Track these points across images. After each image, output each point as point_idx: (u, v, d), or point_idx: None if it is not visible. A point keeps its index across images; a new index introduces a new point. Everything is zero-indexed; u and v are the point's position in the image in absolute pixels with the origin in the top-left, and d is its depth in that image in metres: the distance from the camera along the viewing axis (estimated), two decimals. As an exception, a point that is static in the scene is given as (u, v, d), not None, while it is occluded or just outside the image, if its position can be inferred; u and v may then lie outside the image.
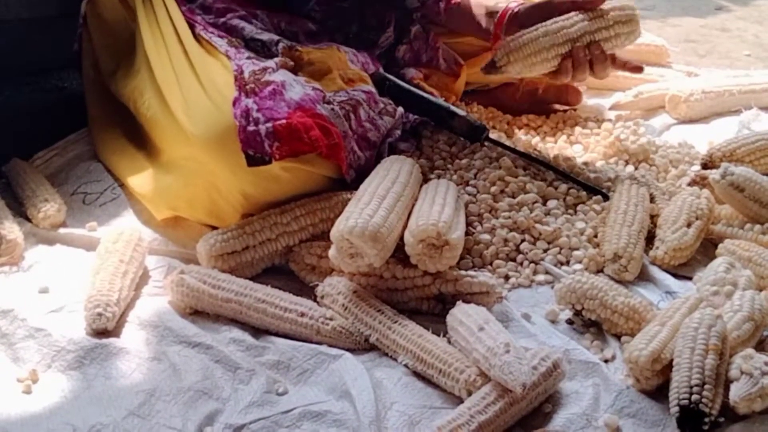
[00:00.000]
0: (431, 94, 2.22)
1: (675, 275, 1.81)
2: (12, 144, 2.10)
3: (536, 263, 1.83)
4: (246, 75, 1.84)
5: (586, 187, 1.98)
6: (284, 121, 1.76)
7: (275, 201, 1.82)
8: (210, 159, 1.79)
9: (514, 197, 1.92)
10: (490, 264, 1.82)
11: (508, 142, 2.12)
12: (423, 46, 2.29)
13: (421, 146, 2.08)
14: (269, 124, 1.75)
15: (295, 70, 1.93)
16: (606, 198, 1.95)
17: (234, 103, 1.78)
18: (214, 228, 1.82)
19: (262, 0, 2.11)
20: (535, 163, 2.04)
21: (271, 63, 1.89)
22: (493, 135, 2.21)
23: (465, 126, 2.04)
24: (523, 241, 1.85)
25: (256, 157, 1.75)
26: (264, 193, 1.81)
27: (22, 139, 2.13)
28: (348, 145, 1.87)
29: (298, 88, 1.84)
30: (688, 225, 1.84)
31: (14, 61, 2.32)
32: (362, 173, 1.85)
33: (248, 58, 1.91)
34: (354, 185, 1.80)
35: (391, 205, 1.65)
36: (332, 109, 1.85)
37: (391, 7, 2.18)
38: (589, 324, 1.67)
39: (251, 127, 1.75)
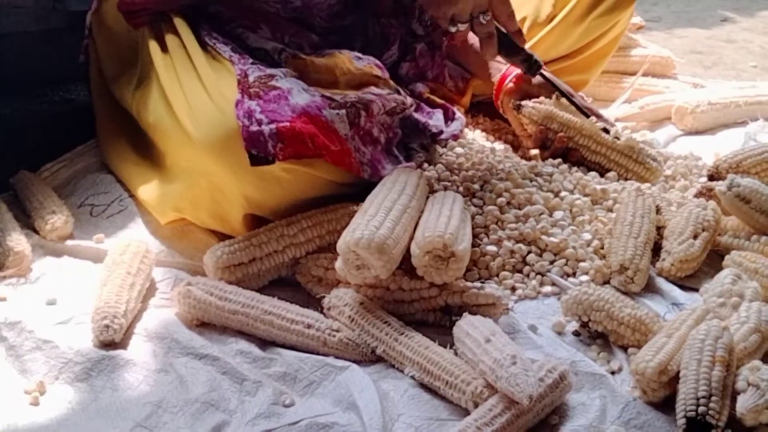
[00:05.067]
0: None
1: (681, 287, 1.81)
2: (20, 156, 2.10)
3: (543, 275, 1.83)
4: (251, 79, 1.85)
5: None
6: (288, 123, 1.77)
7: (277, 204, 1.83)
8: (212, 161, 1.79)
9: (520, 209, 1.92)
10: (497, 275, 1.82)
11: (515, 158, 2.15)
12: (429, 63, 2.29)
13: (428, 158, 2.08)
14: (273, 126, 1.75)
15: (300, 79, 1.94)
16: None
17: (236, 105, 1.78)
18: (220, 238, 1.83)
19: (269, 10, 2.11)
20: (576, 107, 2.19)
21: (278, 71, 1.90)
22: (498, 146, 2.22)
23: (525, 58, 2.11)
24: (529, 252, 1.85)
25: (259, 157, 1.75)
26: (266, 195, 1.81)
27: (29, 151, 2.13)
28: (353, 146, 1.87)
29: (305, 96, 1.84)
30: (695, 236, 1.83)
31: (22, 74, 2.32)
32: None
33: (253, 63, 1.92)
34: (366, 188, 1.80)
35: (398, 216, 1.66)
36: (338, 114, 1.85)
37: (397, 26, 2.19)
38: (596, 336, 1.67)
39: (254, 128, 1.75)
